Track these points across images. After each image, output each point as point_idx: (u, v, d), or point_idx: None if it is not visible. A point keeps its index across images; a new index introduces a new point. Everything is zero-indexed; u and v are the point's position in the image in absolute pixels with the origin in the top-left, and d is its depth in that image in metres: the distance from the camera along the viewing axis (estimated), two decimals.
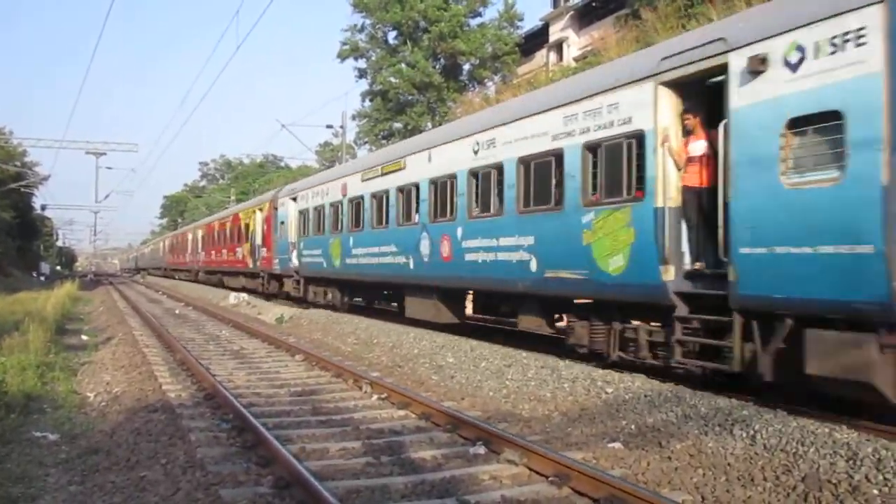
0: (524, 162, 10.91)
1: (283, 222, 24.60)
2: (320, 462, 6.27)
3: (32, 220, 64.19)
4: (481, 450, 6.59)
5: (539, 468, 5.94)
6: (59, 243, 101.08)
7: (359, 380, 10.09)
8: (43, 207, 64.76)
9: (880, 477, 5.36)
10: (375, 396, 9.22)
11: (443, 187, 13.60)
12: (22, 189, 52.31)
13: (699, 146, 8.28)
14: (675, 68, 8.30)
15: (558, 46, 40.75)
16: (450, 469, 6.08)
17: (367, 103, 42.41)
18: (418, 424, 7.76)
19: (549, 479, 5.69)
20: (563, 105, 10.11)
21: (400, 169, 15.51)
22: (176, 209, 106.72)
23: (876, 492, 5.20)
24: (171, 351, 13.69)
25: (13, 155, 51.51)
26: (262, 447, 6.55)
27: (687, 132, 8.43)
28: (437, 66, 39.55)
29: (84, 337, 16.60)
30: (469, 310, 15.52)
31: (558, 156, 10.12)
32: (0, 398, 8.44)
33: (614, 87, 9.14)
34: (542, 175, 10.54)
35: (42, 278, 57.11)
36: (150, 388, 9.93)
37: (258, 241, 28.22)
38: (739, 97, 7.39)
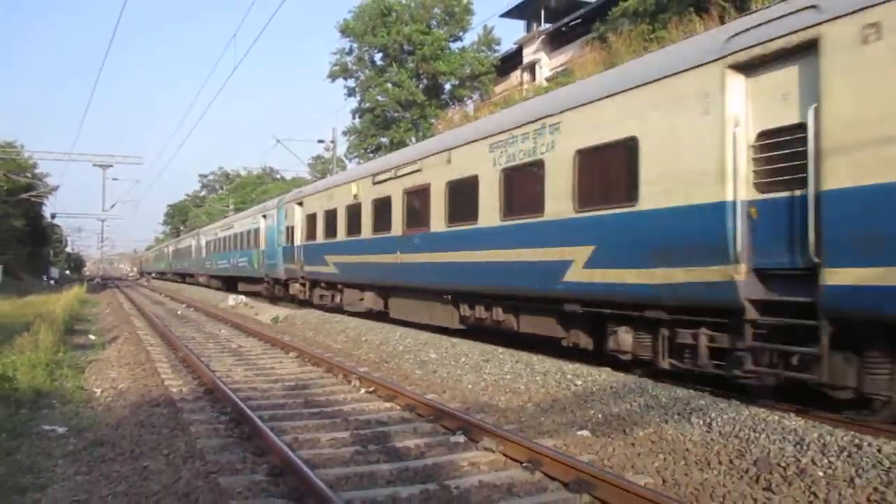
0: None
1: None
2: (312, 451, 6.23)
3: (43, 227, 63.34)
4: (461, 438, 6.58)
5: (514, 455, 5.93)
6: (68, 249, 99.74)
7: (348, 375, 10.04)
8: (53, 216, 63.95)
9: (825, 460, 5.42)
10: (363, 390, 9.18)
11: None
12: (32, 199, 51.60)
13: None
14: None
15: (531, 67, 41.06)
16: (432, 457, 6.07)
17: (357, 119, 42.49)
18: (403, 416, 7.74)
19: (523, 464, 5.69)
20: None
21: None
22: (178, 217, 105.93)
23: (821, 474, 5.26)
24: (174, 349, 13.54)
25: (24, 167, 50.86)
26: (258, 438, 6.49)
27: None
28: (421, 86, 39.72)
29: (91, 336, 16.37)
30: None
31: None
32: (11, 394, 8.34)
33: None
34: None
35: (51, 282, 56.33)
36: (153, 383, 9.83)
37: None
38: None
